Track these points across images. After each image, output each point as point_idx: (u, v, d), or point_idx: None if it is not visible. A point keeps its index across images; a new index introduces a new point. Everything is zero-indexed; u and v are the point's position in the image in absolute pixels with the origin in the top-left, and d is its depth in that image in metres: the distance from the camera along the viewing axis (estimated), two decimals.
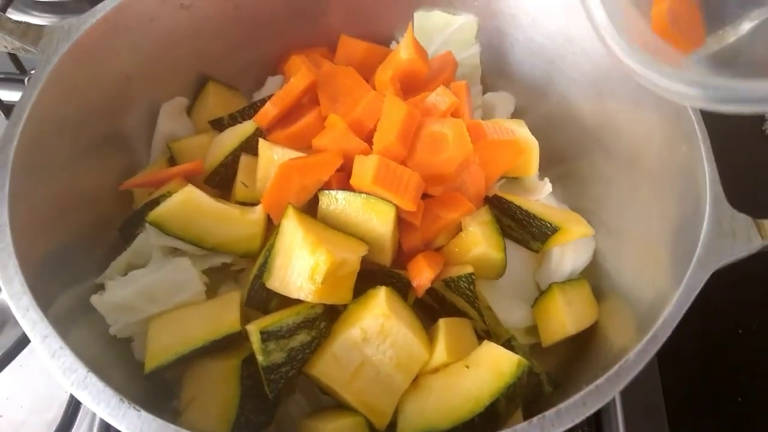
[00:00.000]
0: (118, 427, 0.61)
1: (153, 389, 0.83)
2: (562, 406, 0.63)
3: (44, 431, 1.03)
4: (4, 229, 0.74)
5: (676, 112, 0.86)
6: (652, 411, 1.05)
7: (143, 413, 0.62)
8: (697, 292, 0.72)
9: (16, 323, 1.14)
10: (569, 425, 0.63)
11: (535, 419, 0.62)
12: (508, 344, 0.88)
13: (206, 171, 1.00)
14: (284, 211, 0.86)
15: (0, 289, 0.71)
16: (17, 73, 1.33)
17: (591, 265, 1.03)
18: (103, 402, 0.62)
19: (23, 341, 1.05)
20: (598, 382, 0.66)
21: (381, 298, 0.82)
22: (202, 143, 1.04)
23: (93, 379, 0.64)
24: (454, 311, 0.91)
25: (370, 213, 0.86)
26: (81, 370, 0.64)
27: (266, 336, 0.77)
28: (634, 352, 0.68)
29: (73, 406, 1.03)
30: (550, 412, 0.63)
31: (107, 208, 0.99)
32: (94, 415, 1.01)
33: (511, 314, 0.96)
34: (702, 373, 1.16)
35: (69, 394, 1.04)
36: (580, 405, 0.64)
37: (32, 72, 0.88)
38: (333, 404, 0.86)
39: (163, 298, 0.85)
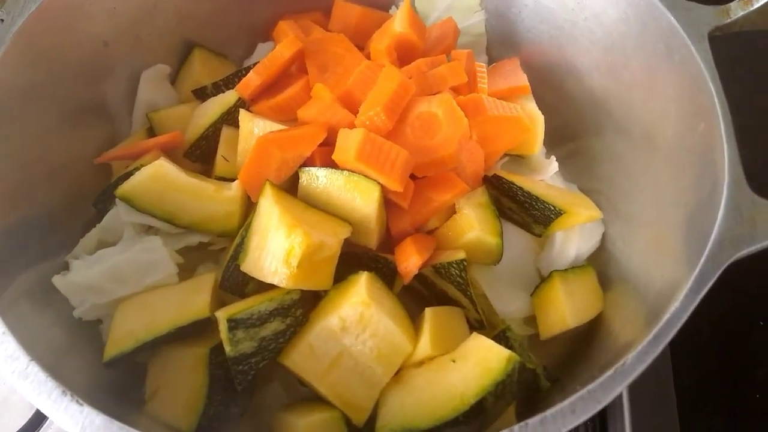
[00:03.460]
0: (59, 423, 0.56)
1: (126, 373, 0.79)
2: (548, 413, 0.57)
3: (27, 410, 1.00)
4: None
5: (694, 84, 0.78)
6: (662, 407, 0.98)
7: (86, 408, 0.57)
8: (708, 286, 0.64)
9: None
10: None
11: (516, 427, 0.56)
12: (503, 335, 0.82)
13: (186, 143, 0.94)
14: (262, 188, 0.80)
15: None
16: None
17: (599, 250, 0.96)
18: (44, 394, 0.57)
19: None
20: (591, 386, 0.59)
21: (361, 285, 0.76)
22: (183, 114, 0.98)
23: (35, 369, 0.59)
24: (445, 299, 0.85)
25: (353, 192, 0.79)
26: (23, 359, 0.59)
27: (234, 324, 0.71)
28: (634, 353, 0.61)
29: None
30: (533, 420, 0.56)
31: (85, 182, 0.94)
32: None
33: (509, 303, 0.90)
34: (718, 367, 1.08)
35: None
36: (568, 413, 0.57)
37: None
38: (312, 395, 0.81)
39: (132, 279, 0.80)
